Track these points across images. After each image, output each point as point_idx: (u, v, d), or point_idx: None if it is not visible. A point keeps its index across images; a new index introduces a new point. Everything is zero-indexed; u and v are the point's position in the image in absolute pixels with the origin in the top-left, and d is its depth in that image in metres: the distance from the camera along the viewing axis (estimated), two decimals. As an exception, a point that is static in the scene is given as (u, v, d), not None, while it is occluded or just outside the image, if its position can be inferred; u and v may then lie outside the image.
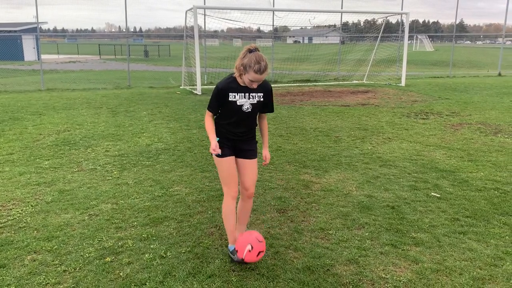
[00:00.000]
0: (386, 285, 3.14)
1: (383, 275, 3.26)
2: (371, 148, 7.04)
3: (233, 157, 3.44)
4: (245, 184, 3.50)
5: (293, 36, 69.13)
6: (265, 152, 3.65)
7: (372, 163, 6.15)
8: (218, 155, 3.34)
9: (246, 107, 3.31)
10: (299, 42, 63.68)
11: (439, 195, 4.90)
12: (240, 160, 3.49)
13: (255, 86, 3.24)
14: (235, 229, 3.51)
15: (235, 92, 3.27)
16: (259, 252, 3.20)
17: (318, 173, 5.70)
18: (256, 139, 3.60)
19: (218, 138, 3.37)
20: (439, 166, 6.01)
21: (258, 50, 3.19)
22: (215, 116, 3.42)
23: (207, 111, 3.38)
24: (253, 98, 3.32)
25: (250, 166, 3.49)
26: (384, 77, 18.87)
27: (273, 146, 7.08)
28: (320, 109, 10.95)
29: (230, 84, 3.28)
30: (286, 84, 17.06)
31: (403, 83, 16.68)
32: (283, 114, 10.18)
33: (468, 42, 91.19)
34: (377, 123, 9.08)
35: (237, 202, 3.59)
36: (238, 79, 3.26)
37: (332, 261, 3.46)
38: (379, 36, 19.04)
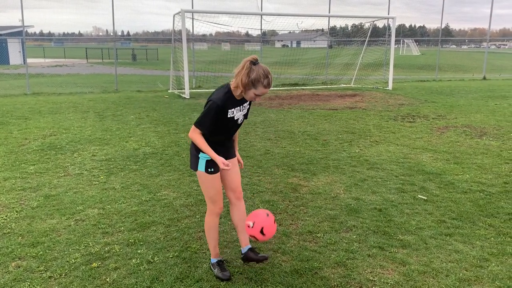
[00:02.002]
0: (373, 287, 3.16)
1: (371, 278, 3.27)
2: (359, 151, 7.09)
3: (219, 172, 3.28)
4: (232, 184, 3.35)
5: (281, 40, 69.42)
6: (238, 155, 3.48)
7: (359, 166, 6.19)
8: (210, 172, 3.17)
9: (240, 119, 3.23)
10: (287, 46, 63.97)
11: (425, 198, 4.95)
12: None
13: (258, 100, 3.10)
14: (217, 244, 3.40)
15: (232, 108, 3.10)
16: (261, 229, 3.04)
17: (306, 176, 5.72)
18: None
19: (208, 157, 3.15)
20: (426, 168, 6.07)
21: (258, 61, 3.01)
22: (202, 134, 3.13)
23: (194, 127, 3.08)
24: (244, 109, 3.22)
25: (235, 168, 3.36)
26: (371, 81, 19.04)
27: (262, 150, 7.09)
28: (308, 113, 10.99)
29: (228, 101, 3.06)
30: (274, 88, 17.10)
31: (390, 87, 16.85)
32: (272, 118, 10.20)
33: (454, 46, 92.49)
34: (364, 127, 9.15)
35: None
36: (234, 93, 3.06)
37: (320, 264, 3.47)
38: (366, 40, 19.21)
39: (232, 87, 3.06)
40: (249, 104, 3.30)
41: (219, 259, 3.39)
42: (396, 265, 3.47)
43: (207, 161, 3.17)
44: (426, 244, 3.82)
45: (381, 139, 7.99)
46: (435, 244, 3.82)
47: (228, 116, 3.08)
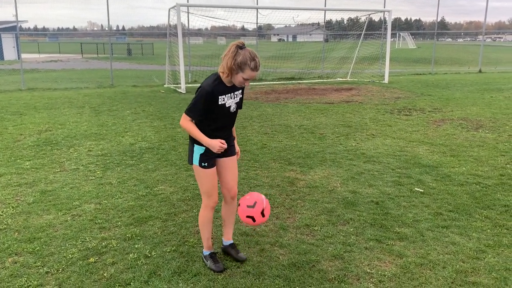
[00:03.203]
0: (371, 279, 3.17)
1: (368, 270, 3.28)
2: (355, 144, 7.09)
3: (215, 168, 3.27)
4: (228, 185, 3.35)
5: (277, 34, 69.23)
6: (236, 147, 3.45)
7: (356, 160, 6.19)
8: (203, 166, 3.16)
9: (233, 107, 3.18)
10: (283, 40, 63.81)
11: (422, 190, 4.96)
12: (220, 160, 3.27)
13: (247, 84, 3.08)
14: (211, 237, 3.43)
15: (223, 95, 3.07)
16: (263, 210, 3.07)
17: (303, 170, 5.72)
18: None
19: (203, 149, 3.12)
20: (422, 161, 6.09)
21: (246, 46, 3.03)
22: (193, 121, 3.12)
23: (184, 115, 3.06)
24: (236, 97, 3.18)
25: (230, 163, 3.32)
26: (367, 75, 19.03)
27: (258, 144, 7.08)
28: (304, 107, 10.98)
29: (219, 87, 3.04)
30: (270, 82, 17.07)
31: (386, 80, 16.85)
32: (268, 112, 10.18)
33: (450, 39, 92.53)
34: (361, 120, 9.15)
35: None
36: (224, 80, 3.04)
37: (318, 257, 3.47)
38: (362, 34, 19.19)
39: (219, 72, 3.05)
40: (242, 93, 3.25)
41: (211, 251, 3.41)
42: (393, 257, 3.48)
43: (200, 155, 3.16)
44: (423, 236, 3.83)
45: (378, 132, 7.99)
46: (432, 236, 3.84)
47: (219, 103, 3.06)
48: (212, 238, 3.55)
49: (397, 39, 56.18)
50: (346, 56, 20.46)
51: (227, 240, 3.53)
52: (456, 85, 15.70)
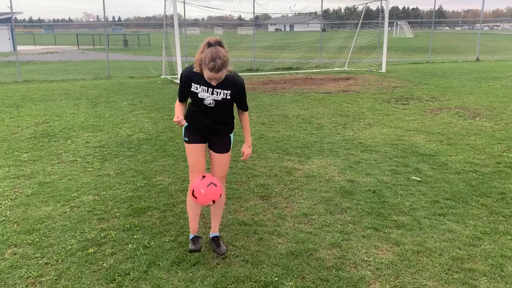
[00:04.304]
0: (368, 267, 3.20)
1: (366, 258, 3.31)
2: (353, 134, 7.10)
3: (200, 145, 3.32)
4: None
5: (274, 24, 68.85)
6: (244, 148, 3.42)
7: (353, 149, 6.21)
8: (185, 140, 3.32)
9: (209, 102, 3.14)
10: (281, 30, 63.48)
11: (419, 179, 4.98)
12: (210, 152, 3.38)
13: (214, 83, 3.07)
14: (196, 219, 3.49)
15: (197, 84, 3.11)
16: (209, 183, 3.07)
17: (301, 160, 5.73)
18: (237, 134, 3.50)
19: (187, 124, 3.29)
20: (419, 150, 6.11)
21: (220, 44, 2.96)
22: (182, 102, 3.28)
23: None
24: (217, 95, 3.13)
25: (216, 160, 3.37)
26: (365, 64, 18.99)
27: (256, 134, 7.08)
28: (302, 97, 10.97)
29: (195, 75, 3.10)
30: (268, 72, 17.02)
31: (383, 69, 16.83)
32: (266, 102, 10.17)
33: (447, 28, 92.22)
34: (358, 109, 9.15)
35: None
36: (200, 71, 3.09)
37: (315, 245, 3.50)
38: (360, 23, 19.11)
39: (196, 69, 3.10)
40: (231, 95, 3.15)
41: (195, 235, 3.50)
42: (391, 245, 3.51)
43: (184, 128, 3.33)
44: (420, 224, 3.86)
45: (375, 121, 8.00)
46: (428, 224, 3.87)
47: (192, 89, 3.14)
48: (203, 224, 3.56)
49: (394, 28, 55.99)
50: (344, 46, 20.39)
51: (212, 232, 3.57)
52: (454, 73, 15.70)
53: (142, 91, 12.11)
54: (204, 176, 3.14)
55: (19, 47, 20.60)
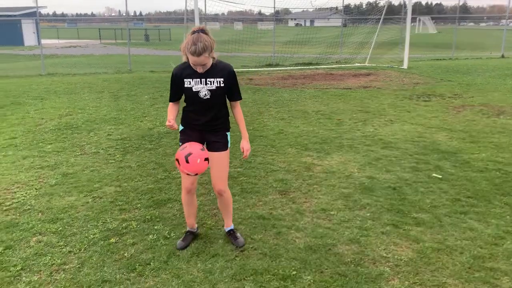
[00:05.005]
0: (387, 263, 3.18)
1: (384, 254, 3.30)
2: (373, 130, 7.04)
3: None
4: (212, 180, 3.39)
5: (295, 19, 68.49)
6: (243, 143, 3.32)
7: (374, 145, 6.16)
8: (180, 145, 3.27)
9: (204, 94, 3.14)
10: (301, 25, 63.12)
11: (440, 176, 4.92)
12: (209, 153, 3.21)
13: (200, 70, 3.07)
14: (191, 216, 3.49)
15: (190, 78, 3.13)
16: (186, 156, 3.02)
17: (320, 156, 5.72)
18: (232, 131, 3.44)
19: (182, 127, 3.33)
20: (441, 147, 6.02)
21: (204, 31, 3.00)
22: (175, 103, 3.31)
23: None
24: (211, 84, 3.13)
25: (215, 159, 3.28)
26: (386, 60, 18.75)
27: (275, 129, 7.09)
28: (322, 92, 10.91)
29: (185, 70, 3.13)
30: (287, 68, 16.97)
31: (405, 66, 16.58)
32: (285, 98, 10.16)
33: (472, 24, 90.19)
34: (379, 106, 9.06)
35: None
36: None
37: (334, 240, 3.50)
38: (382, 19, 18.86)
39: (184, 59, 3.12)
40: (224, 83, 3.15)
41: (189, 229, 3.54)
42: (410, 242, 3.48)
43: (180, 132, 3.38)
44: (441, 222, 3.82)
45: (396, 118, 7.91)
46: (449, 222, 3.82)
47: (185, 85, 3.15)
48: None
49: (417, 23, 55.04)
50: (365, 41, 20.16)
51: (226, 227, 3.58)
52: (478, 70, 15.36)
53: (162, 85, 12.22)
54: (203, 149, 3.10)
55: (43, 41, 21.02)
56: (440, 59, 20.49)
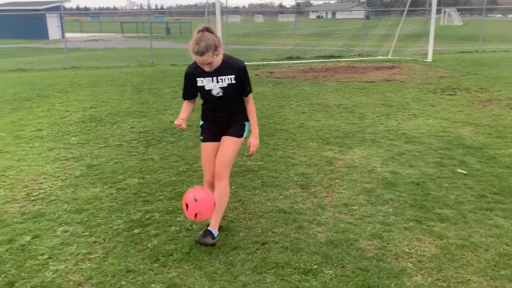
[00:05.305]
0: (410, 259, 3.15)
1: (407, 250, 3.26)
2: (396, 124, 6.94)
3: (214, 144, 3.33)
4: (216, 160, 3.32)
5: (316, 11, 67.82)
6: (250, 139, 3.31)
7: (397, 140, 6.07)
8: (200, 139, 3.38)
9: (216, 92, 3.15)
10: (322, 17, 62.47)
11: (465, 172, 4.82)
12: (222, 138, 3.32)
13: (206, 69, 3.07)
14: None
15: (202, 77, 3.14)
16: (196, 214, 3.00)
17: (342, 150, 5.68)
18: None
19: (202, 122, 3.39)
20: (466, 142, 5.90)
21: (208, 30, 2.99)
22: (189, 101, 3.38)
23: None
24: (222, 82, 3.14)
25: (223, 142, 3.31)
26: (410, 53, 18.42)
27: (296, 123, 7.06)
28: (344, 85, 10.80)
29: (198, 68, 3.13)
30: (308, 60, 16.84)
31: (429, 59, 16.24)
32: (306, 91, 10.09)
33: (499, 15, 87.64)
34: (402, 99, 8.92)
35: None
36: None
37: (356, 235, 3.48)
38: (406, 10, 18.49)
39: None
40: (236, 79, 3.14)
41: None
42: (434, 238, 3.43)
43: (200, 126, 3.44)
44: (465, 218, 3.75)
45: (420, 112, 7.78)
46: (474, 218, 3.75)
47: (198, 84, 3.18)
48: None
49: (442, 15, 53.78)
50: (388, 34, 19.83)
51: (211, 227, 3.29)
52: (505, 63, 14.94)
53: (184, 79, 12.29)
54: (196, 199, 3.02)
55: (67, 35, 21.40)
56: (466, 52, 20.01)
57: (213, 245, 3.25)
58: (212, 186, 3.40)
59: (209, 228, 3.30)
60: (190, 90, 3.28)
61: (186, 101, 3.37)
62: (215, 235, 3.27)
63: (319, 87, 10.68)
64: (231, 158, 3.36)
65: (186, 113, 3.36)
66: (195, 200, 3.03)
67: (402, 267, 3.06)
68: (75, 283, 2.91)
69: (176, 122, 3.23)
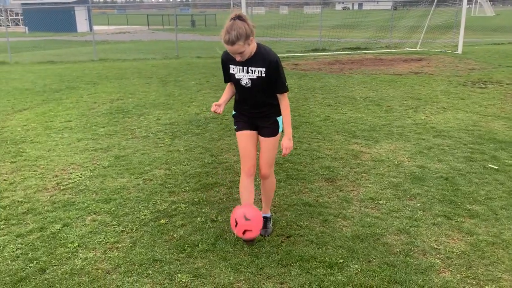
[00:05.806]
0: (438, 255, 3.09)
1: (435, 246, 3.20)
2: (425, 118, 6.80)
3: (250, 132, 3.28)
4: (259, 161, 3.35)
5: (342, 2, 66.81)
6: (283, 140, 3.18)
7: (425, 134, 5.95)
8: (234, 129, 3.35)
9: (245, 82, 3.10)
10: (348, 8, 61.49)
11: (497, 167, 4.69)
12: (259, 138, 3.30)
13: (238, 58, 2.98)
14: (247, 203, 3.32)
15: (234, 65, 3.10)
16: (245, 231, 3.03)
17: (368, 143, 5.60)
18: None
19: (234, 112, 3.37)
20: (498, 137, 5.72)
21: (240, 18, 2.89)
22: (231, 84, 3.35)
23: None
24: (252, 73, 3.06)
25: (263, 144, 3.29)
26: (439, 44, 17.95)
27: (321, 116, 7.00)
28: (370, 78, 10.63)
29: (230, 55, 3.06)
30: (334, 52, 16.64)
31: (460, 51, 15.80)
32: (332, 83, 9.98)
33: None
34: (431, 92, 8.72)
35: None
36: None
37: (382, 230, 3.43)
38: (435, 1, 18.01)
39: None
40: (266, 73, 3.02)
41: None
42: (463, 234, 3.35)
43: (233, 116, 3.40)
44: (496, 215, 3.65)
45: (449, 105, 7.59)
46: (506, 215, 3.64)
47: (230, 71, 3.18)
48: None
49: (473, 5, 52.17)
50: (416, 25, 19.38)
51: (263, 213, 3.47)
52: (540, 55, 14.41)
53: (208, 71, 12.35)
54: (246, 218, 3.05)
55: (94, 27, 21.75)
56: (498, 44, 19.37)
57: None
58: (250, 178, 3.31)
59: (264, 215, 3.42)
60: (226, 75, 3.29)
61: (228, 84, 3.37)
62: (269, 216, 3.53)
63: (345, 79, 10.54)
64: (273, 158, 3.37)
65: (226, 97, 3.36)
66: (246, 218, 3.03)
67: (430, 263, 3.00)
68: (103, 271, 2.97)
69: (212, 108, 3.27)
